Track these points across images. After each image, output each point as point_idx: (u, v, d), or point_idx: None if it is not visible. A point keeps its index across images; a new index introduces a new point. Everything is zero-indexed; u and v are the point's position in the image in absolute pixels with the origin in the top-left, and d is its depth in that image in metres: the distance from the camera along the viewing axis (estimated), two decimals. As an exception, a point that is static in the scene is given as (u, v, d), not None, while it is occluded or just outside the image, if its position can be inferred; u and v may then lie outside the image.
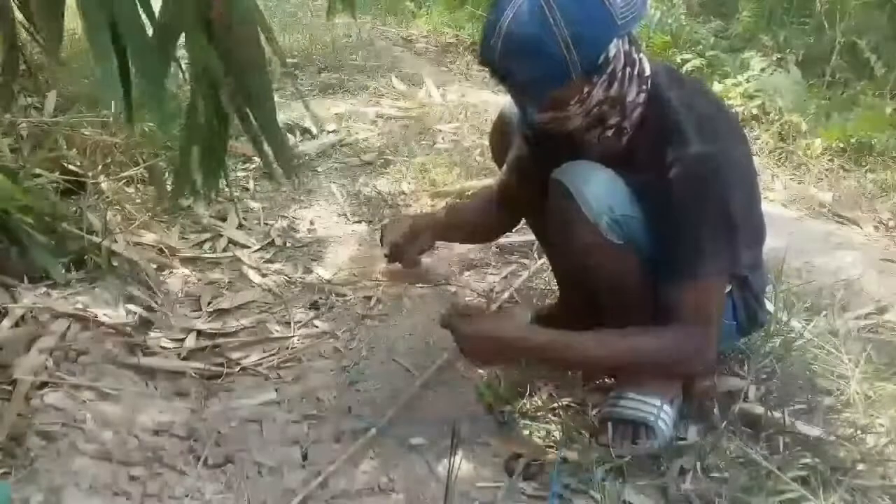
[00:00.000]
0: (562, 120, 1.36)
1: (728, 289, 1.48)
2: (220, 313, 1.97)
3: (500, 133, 1.70)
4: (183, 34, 1.27)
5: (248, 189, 2.69)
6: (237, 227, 2.39)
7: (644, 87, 1.38)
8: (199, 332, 1.87)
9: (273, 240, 2.35)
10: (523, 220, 1.88)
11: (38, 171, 2.14)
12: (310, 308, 2.02)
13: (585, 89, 1.31)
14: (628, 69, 1.34)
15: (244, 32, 1.27)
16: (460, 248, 2.31)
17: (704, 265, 1.35)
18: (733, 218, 1.35)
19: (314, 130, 3.21)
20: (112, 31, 1.15)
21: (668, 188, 1.34)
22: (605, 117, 1.37)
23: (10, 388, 1.51)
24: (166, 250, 2.17)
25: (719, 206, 1.33)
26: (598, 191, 1.38)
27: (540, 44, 1.24)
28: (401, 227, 1.70)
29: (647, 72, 1.38)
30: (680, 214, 1.34)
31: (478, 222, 1.81)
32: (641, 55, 1.38)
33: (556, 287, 1.86)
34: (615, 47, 1.30)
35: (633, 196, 1.40)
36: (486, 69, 1.35)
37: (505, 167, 1.71)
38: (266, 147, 1.41)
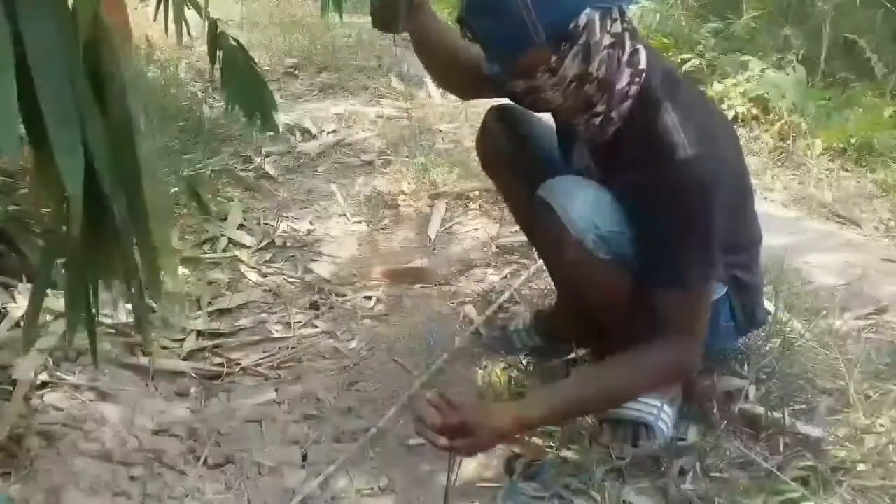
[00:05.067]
0: (535, 90, 1.32)
1: (724, 290, 1.48)
2: (220, 313, 1.97)
3: (489, 138, 1.68)
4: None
5: (248, 189, 2.68)
6: (237, 227, 2.40)
7: (637, 79, 1.34)
8: (199, 332, 1.87)
9: (273, 240, 2.35)
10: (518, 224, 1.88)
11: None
12: (310, 308, 2.02)
13: (553, 57, 1.26)
14: (618, 52, 1.30)
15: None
16: (460, 249, 2.31)
17: (685, 275, 1.35)
18: (714, 227, 1.34)
19: (314, 130, 3.21)
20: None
21: (650, 190, 1.32)
22: (590, 100, 1.34)
23: (10, 388, 1.51)
24: (166, 250, 2.17)
25: (701, 215, 1.32)
26: (583, 208, 1.37)
27: (501, 2, 1.23)
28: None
29: (643, 65, 1.34)
30: (661, 220, 1.33)
31: (446, 54, 1.56)
32: (640, 47, 1.35)
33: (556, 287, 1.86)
34: (588, 18, 1.24)
35: (616, 202, 1.39)
36: (461, 27, 1.32)
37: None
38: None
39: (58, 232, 0.86)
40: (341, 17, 1.31)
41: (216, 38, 1.48)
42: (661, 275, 1.36)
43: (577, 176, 1.47)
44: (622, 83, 1.33)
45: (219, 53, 1.51)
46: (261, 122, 1.56)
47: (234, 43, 1.50)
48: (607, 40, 1.28)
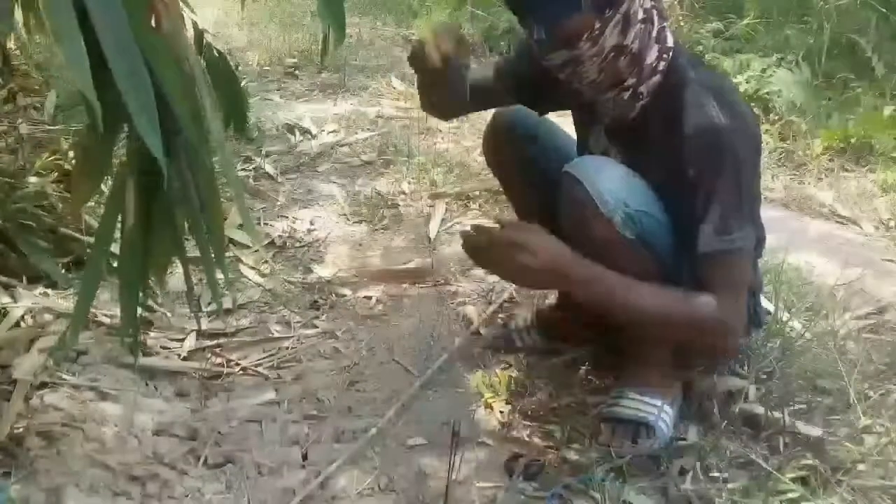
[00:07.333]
0: (573, 61, 1.32)
1: None
2: (220, 313, 1.97)
3: (495, 138, 1.68)
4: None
5: (247, 189, 2.68)
6: (237, 227, 2.39)
7: (665, 56, 1.36)
8: (199, 332, 1.87)
9: (273, 240, 2.35)
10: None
11: (37, 171, 2.15)
12: (310, 308, 2.02)
13: (596, 24, 1.28)
14: (648, 27, 1.33)
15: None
16: (460, 249, 2.30)
17: (732, 235, 1.32)
18: (752, 188, 1.36)
19: (314, 130, 3.21)
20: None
21: (683, 161, 1.32)
22: (622, 74, 1.35)
23: (10, 388, 1.51)
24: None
25: (740, 176, 1.32)
26: (613, 185, 1.36)
27: None
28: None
29: (670, 42, 1.37)
30: (700, 185, 1.32)
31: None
32: (666, 25, 1.38)
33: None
34: None
35: (644, 182, 1.39)
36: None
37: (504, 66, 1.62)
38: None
39: (110, 222, 0.91)
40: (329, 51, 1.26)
41: (201, 47, 1.52)
42: (705, 239, 1.33)
43: (604, 156, 1.48)
44: (651, 58, 1.36)
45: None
46: (234, 128, 1.61)
47: (216, 53, 1.54)
48: (641, 14, 1.32)
